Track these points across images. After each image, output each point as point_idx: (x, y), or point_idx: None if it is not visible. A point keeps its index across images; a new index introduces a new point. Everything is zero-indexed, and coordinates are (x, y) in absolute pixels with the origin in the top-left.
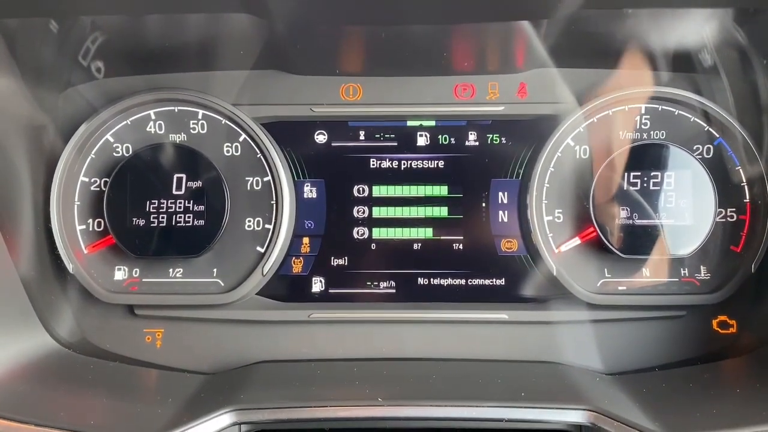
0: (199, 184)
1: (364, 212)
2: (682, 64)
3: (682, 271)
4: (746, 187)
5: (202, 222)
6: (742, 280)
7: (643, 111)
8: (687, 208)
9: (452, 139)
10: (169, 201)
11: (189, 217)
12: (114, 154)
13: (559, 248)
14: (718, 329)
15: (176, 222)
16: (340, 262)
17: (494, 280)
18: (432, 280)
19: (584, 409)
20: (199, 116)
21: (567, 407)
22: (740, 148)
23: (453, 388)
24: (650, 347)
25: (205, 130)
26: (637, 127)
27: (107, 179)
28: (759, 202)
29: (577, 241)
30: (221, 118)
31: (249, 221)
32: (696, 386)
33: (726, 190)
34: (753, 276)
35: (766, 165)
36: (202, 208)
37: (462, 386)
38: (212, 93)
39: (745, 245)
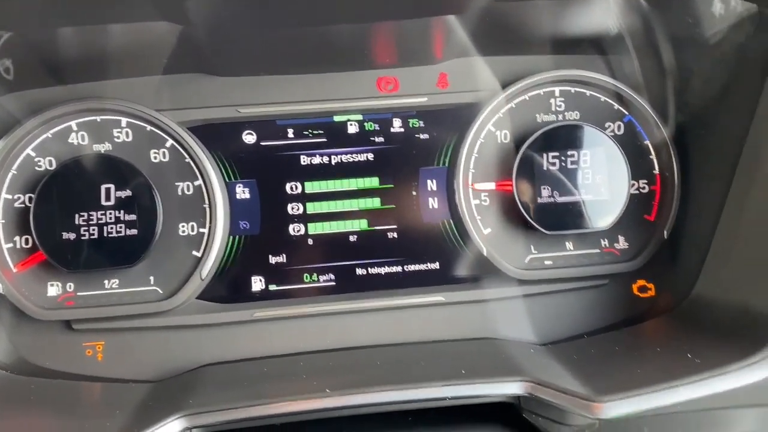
0: (128, 193)
1: (298, 209)
2: (593, 46)
3: (603, 243)
4: (655, 159)
5: (134, 231)
6: (657, 246)
7: (557, 94)
8: (603, 183)
9: (380, 132)
10: (99, 212)
11: (120, 227)
12: (36, 168)
13: (487, 228)
14: (638, 293)
15: (107, 233)
16: (279, 259)
17: (429, 264)
18: (370, 269)
19: (521, 380)
20: (123, 124)
21: (505, 380)
22: (648, 123)
23: (397, 372)
24: (578, 316)
25: (130, 138)
26: (553, 109)
27: (32, 195)
28: (667, 173)
29: (503, 220)
30: (146, 125)
31: (183, 226)
32: (621, 349)
33: (637, 163)
34: (666, 242)
35: (671, 138)
36: (133, 217)
37: (406, 369)
38: (135, 100)
39: (657, 214)
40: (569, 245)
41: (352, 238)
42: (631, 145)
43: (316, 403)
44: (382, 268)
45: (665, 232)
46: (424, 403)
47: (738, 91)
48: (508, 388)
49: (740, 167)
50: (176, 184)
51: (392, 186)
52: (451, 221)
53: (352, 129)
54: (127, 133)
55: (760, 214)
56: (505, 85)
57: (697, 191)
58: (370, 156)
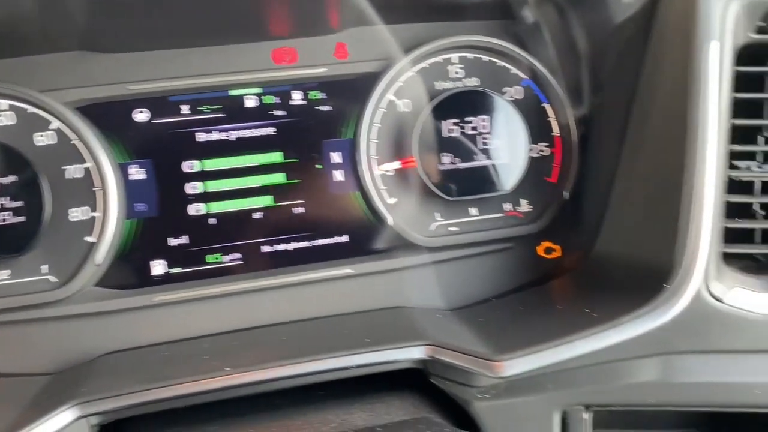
0: (12, 179)
1: (197, 188)
2: (491, 11)
3: (506, 206)
4: (554, 122)
5: (21, 218)
6: (559, 207)
7: (455, 60)
8: (503, 147)
9: (280, 106)
10: None
11: (7, 215)
12: None
13: (392, 198)
14: (543, 255)
15: None
16: (180, 241)
17: (337, 238)
18: (277, 246)
19: (423, 345)
20: (4, 107)
21: (407, 345)
22: (546, 87)
23: (300, 347)
24: (486, 280)
25: (13, 121)
26: (452, 76)
27: None
28: (566, 135)
29: (407, 189)
30: (28, 107)
31: (74, 211)
32: (524, 309)
33: (536, 127)
34: (568, 203)
35: (568, 100)
36: (20, 204)
37: (309, 343)
38: (16, 81)
39: (558, 175)
40: (473, 211)
41: (257, 215)
42: (529, 109)
43: (214, 383)
44: (290, 244)
45: (565, 193)
46: (328, 374)
47: (627, 52)
48: (410, 353)
49: (630, 126)
50: (64, 167)
51: (297, 160)
52: (358, 193)
53: (250, 103)
54: (9, 116)
55: (647, 170)
56: (404, 54)
57: (596, 151)
58: (272, 130)
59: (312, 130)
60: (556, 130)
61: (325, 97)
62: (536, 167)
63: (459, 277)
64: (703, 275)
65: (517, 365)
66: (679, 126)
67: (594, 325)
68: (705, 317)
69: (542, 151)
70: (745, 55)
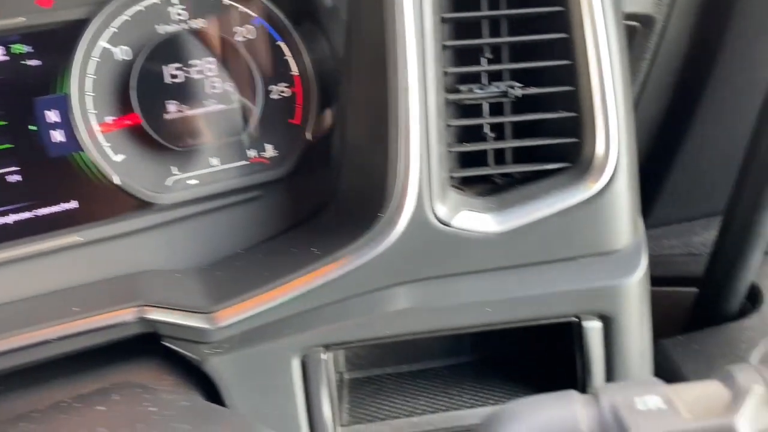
0: None
1: None
2: None
3: (250, 153)
4: (291, 61)
5: None
6: (304, 149)
7: (174, 1)
8: (236, 90)
9: None
10: None
11: None
12: None
13: (118, 155)
14: (298, 201)
15: None
16: None
17: (64, 204)
18: None
19: (134, 306)
20: None
21: (114, 309)
22: (279, 25)
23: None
24: (236, 233)
25: None
26: (174, 18)
27: None
28: (305, 74)
29: (134, 143)
30: None
31: None
32: (263, 257)
33: (273, 67)
34: (315, 144)
35: (304, 37)
36: None
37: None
38: None
39: (301, 117)
40: (214, 161)
41: None
42: (264, 49)
43: None
44: (8, 216)
45: (308, 134)
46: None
47: None
48: (119, 318)
49: (354, 56)
50: None
51: (6, 123)
52: (81, 153)
53: None
54: None
55: (369, 102)
56: None
57: (334, 88)
58: None
59: (20, 87)
60: (294, 70)
61: (31, 50)
62: (278, 109)
63: (207, 233)
64: (417, 201)
65: (234, 314)
66: (384, 52)
67: (311, 263)
68: (433, 242)
69: (283, 92)
70: None
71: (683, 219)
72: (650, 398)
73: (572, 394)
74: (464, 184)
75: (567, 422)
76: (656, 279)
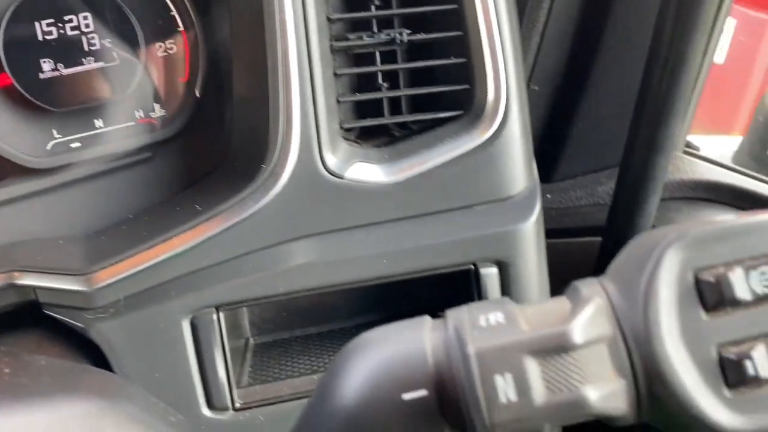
0: None
1: None
2: None
3: (138, 114)
4: (177, 18)
5: None
6: (195, 107)
7: None
8: (118, 47)
9: None
10: None
11: None
12: None
13: None
14: (195, 161)
15: None
16: None
17: None
18: None
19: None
20: None
21: None
22: None
23: None
24: (128, 196)
25: None
26: None
27: None
28: (191, 30)
29: (8, 106)
30: None
31: None
32: (149, 218)
33: (157, 23)
34: (205, 101)
35: None
36: None
37: None
38: None
39: (189, 74)
40: (99, 123)
41: None
42: (147, 4)
43: None
44: None
45: (197, 92)
46: None
47: None
48: None
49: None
50: None
51: None
52: None
53: None
54: None
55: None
56: None
57: (223, 43)
58: None
59: None
60: (181, 26)
61: None
62: (165, 67)
63: (94, 198)
64: (301, 152)
65: (112, 275)
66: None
67: (192, 220)
68: (325, 195)
69: (169, 49)
70: None
71: (589, 170)
72: (494, 315)
73: (424, 320)
74: (364, 137)
75: (415, 345)
76: (564, 230)
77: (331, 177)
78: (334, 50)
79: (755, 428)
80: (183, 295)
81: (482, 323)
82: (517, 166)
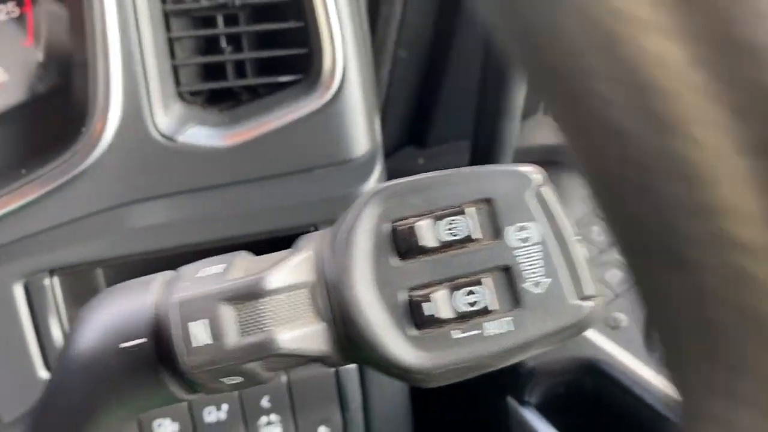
0: None
1: None
2: None
3: None
4: None
5: None
6: (41, 72)
7: None
8: None
9: None
10: None
11: None
12: None
13: None
14: None
15: None
16: None
17: None
18: None
19: None
20: None
21: None
22: None
23: None
24: None
25: None
26: None
27: None
28: None
29: None
30: None
31: None
32: None
33: None
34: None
35: None
36: None
37: None
38: None
39: (33, 38)
40: None
41: None
42: None
43: None
44: None
45: (40, 56)
46: None
47: None
48: None
49: None
50: None
51: None
52: None
53: None
54: None
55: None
56: None
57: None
58: None
59: None
60: None
61: None
62: (7, 32)
63: None
64: (125, 115)
65: None
66: None
67: (11, 184)
68: (158, 158)
69: (11, 12)
70: None
71: (463, 136)
72: (216, 267)
73: (158, 275)
74: (214, 101)
75: (143, 297)
76: None
77: (163, 140)
78: (168, 13)
79: (435, 364)
80: (14, 260)
81: (200, 274)
82: (357, 129)
